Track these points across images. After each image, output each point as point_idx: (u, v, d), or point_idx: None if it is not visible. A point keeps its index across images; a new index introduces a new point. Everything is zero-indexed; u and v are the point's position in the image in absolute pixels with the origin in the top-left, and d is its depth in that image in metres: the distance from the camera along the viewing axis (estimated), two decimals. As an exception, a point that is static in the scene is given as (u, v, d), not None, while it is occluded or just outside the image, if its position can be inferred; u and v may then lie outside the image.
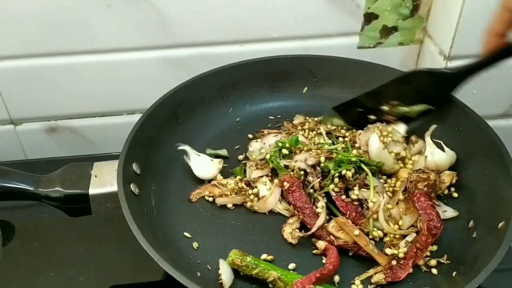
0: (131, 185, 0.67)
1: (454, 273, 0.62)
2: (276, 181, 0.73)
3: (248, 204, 0.72)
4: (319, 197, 0.70)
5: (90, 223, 0.77)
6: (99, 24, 0.85)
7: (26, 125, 0.97)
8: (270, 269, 0.61)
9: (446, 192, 0.72)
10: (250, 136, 0.83)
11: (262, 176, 0.75)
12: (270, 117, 0.86)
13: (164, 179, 0.75)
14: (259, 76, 0.87)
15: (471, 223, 0.67)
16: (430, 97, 0.76)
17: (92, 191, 0.68)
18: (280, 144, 0.75)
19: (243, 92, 0.87)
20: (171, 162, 0.77)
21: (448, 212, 0.69)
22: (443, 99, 0.75)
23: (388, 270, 0.63)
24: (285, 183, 0.71)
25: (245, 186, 0.74)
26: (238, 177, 0.76)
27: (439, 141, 0.74)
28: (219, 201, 0.73)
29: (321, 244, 0.65)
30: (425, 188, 0.67)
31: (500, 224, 0.62)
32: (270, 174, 0.75)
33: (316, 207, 0.69)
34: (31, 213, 0.82)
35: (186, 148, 0.76)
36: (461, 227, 0.68)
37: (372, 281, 0.62)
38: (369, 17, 0.89)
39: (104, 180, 0.69)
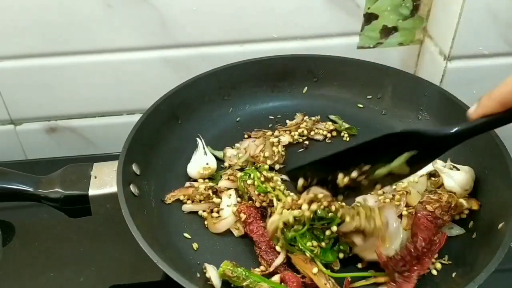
0: (131, 186, 0.67)
1: (454, 274, 0.62)
2: (234, 209, 0.69)
3: (204, 214, 0.70)
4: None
5: (90, 223, 0.77)
6: (99, 24, 0.85)
7: (26, 125, 0.96)
8: (260, 281, 0.60)
9: (464, 216, 0.68)
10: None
11: (230, 188, 0.72)
12: (270, 117, 0.86)
13: (164, 180, 0.75)
14: (259, 76, 0.87)
15: (471, 223, 0.67)
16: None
17: (92, 192, 0.68)
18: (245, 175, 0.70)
19: (243, 92, 0.86)
20: (171, 162, 0.77)
21: (454, 229, 0.67)
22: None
23: (392, 283, 0.60)
24: (241, 215, 0.67)
25: (211, 194, 0.71)
26: (211, 183, 0.73)
27: (450, 163, 0.72)
28: (186, 208, 0.70)
29: (275, 278, 0.61)
30: (436, 210, 0.63)
31: (500, 225, 0.61)
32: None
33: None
34: (31, 213, 0.82)
35: (199, 141, 0.77)
36: (461, 228, 0.68)
37: None
38: (369, 17, 0.89)
39: (103, 181, 0.68)
